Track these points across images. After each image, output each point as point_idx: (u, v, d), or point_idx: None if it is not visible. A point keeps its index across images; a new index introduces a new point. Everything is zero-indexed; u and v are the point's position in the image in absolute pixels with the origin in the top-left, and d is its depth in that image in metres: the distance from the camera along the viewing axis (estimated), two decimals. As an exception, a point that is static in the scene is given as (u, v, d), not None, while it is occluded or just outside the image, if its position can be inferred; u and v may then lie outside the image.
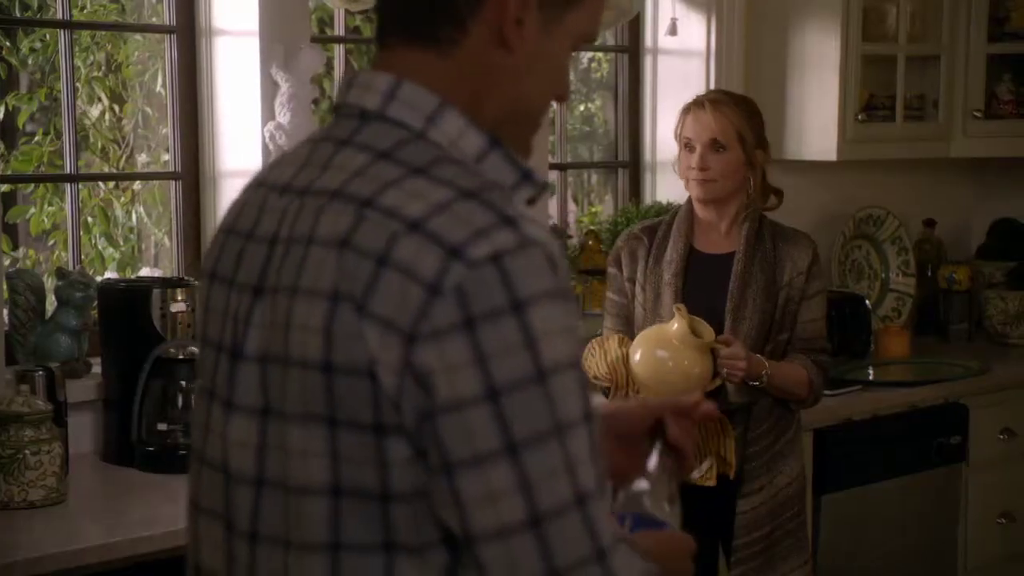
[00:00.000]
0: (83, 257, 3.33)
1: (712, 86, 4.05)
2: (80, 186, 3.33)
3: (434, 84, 1.30)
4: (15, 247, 3.67)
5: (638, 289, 3.06)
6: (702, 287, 2.99)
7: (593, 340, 3.05)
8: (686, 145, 3.05)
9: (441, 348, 1.16)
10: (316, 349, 1.21)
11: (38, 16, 3.62)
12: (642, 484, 1.47)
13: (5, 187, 3.50)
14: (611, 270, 3.13)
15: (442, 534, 1.21)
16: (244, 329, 1.29)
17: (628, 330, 3.06)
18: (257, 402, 1.27)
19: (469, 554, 1.19)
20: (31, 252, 3.73)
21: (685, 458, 1.54)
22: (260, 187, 1.36)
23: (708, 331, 2.89)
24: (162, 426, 2.87)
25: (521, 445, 1.16)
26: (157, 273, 3.43)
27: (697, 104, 3.04)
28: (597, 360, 2.98)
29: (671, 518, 1.48)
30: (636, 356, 2.93)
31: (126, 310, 2.93)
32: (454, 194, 1.22)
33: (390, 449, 1.20)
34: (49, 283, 3.14)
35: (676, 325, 2.89)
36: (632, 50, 4.22)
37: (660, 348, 2.89)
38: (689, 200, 3.10)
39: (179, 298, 2.93)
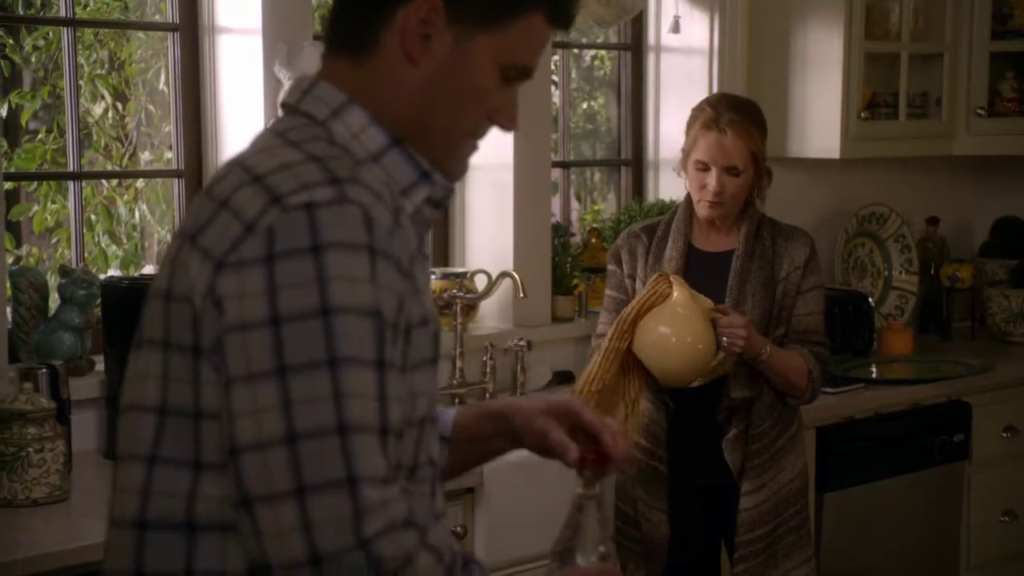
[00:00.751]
0: (86, 255, 3.34)
1: (715, 84, 4.05)
2: (83, 184, 3.33)
3: (346, 86, 1.44)
4: (18, 245, 3.67)
5: (638, 286, 3.06)
6: (701, 284, 2.99)
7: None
8: (697, 165, 3.00)
9: (241, 277, 1.30)
10: (164, 279, 1.38)
11: (41, 14, 3.63)
12: (567, 538, 1.50)
13: (8, 185, 3.49)
14: (611, 267, 3.13)
15: None
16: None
17: None
18: (139, 336, 1.44)
19: (231, 466, 1.29)
20: (34, 250, 3.73)
21: (605, 444, 1.54)
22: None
23: (706, 300, 2.90)
24: (165, 424, 2.87)
25: (291, 368, 1.27)
26: (160, 271, 3.42)
27: (717, 127, 2.96)
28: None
29: (608, 559, 1.50)
30: (639, 336, 2.90)
31: (129, 308, 2.90)
32: (303, 157, 1.36)
33: (203, 370, 1.32)
34: (52, 281, 3.15)
35: (676, 293, 2.88)
36: (635, 48, 4.21)
37: (663, 325, 2.87)
38: (688, 198, 3.10)
39: (182, 296, 2.92)
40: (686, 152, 3.04)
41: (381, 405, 1.30)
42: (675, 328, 2.86)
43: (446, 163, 1.47)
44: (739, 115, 2.99)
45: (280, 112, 1.50)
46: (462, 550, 1.42)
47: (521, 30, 1.44)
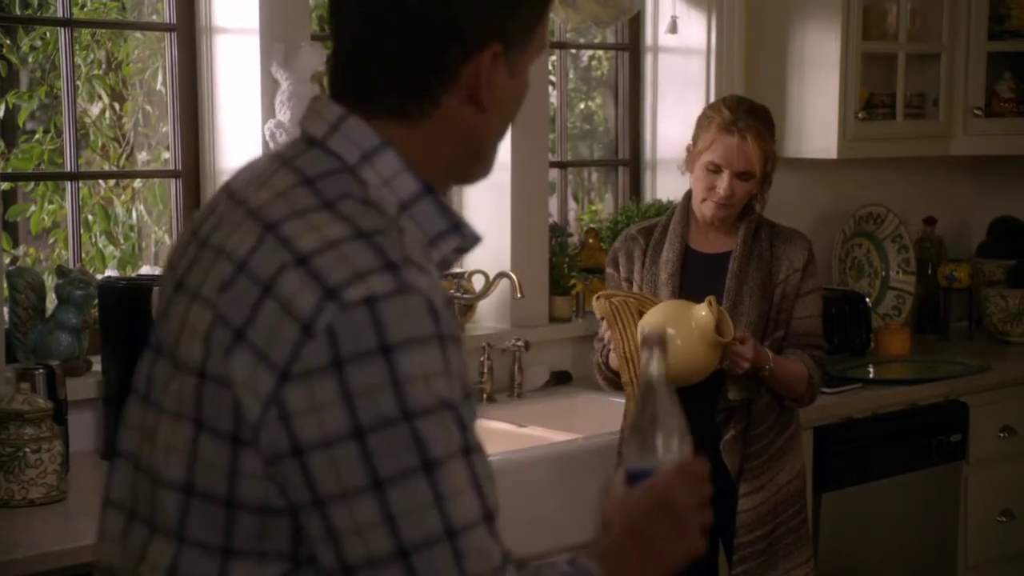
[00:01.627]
0: (83, 255, 3.33)
1: (712, 84, 4.05)
2: (80, 184, 3.33)
3: (382, 132, 1.33)
4: (15, 245, 3.67)
5: (635, 289, 3.06)
6: (699, 286, 2.99)
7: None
8: (709, 166, 2.99)
9: (310, 388, 1.21)
10: (196, 354, 1.27)
11: (38, 14, 3.62)
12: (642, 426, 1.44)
13: (5, 185, 3.49)
14: (609, 271, 3.14)
15: (288, 549, 1.26)
16: (161, 320, 1.38)
17: None
18: (147, 388, 1.36)
19: None
20: (31, 250, 3.72)
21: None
22: (224, 188, 1.41)
23: (730, 331, 2.84)
24: (162, 424, 2.87)
25: (386, 481, 1.20)
26: (157, 271, 3.43)
27: (737, 131, 2.95)
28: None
29: (664, 454, 1.43)
30: (648, 317, 2.86)
31: (126, 308, 2.93)
32: (348, 232, 1.25)
33: (243, 460, 1.25)
34: (49, 281, 3.14)
35: (704, 313, 2.82)
36: (632, 48, 4.22)
37: (673, 326, 2.80)
38: (685, 199, 3.10)
39: (179, 296, 2.92)
40: (698, 152, 3.01)
41: (478, 492, 1.25)
42: (685, 338, 2.81)
43: (487, 171, 1.44)
44: (756, 121, 2.99)
45: (296, 134, 1.40)
46: None
47: (544, 27, 1.41)
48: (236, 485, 1.26)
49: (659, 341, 1.41)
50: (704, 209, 3.02)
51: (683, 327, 2.82)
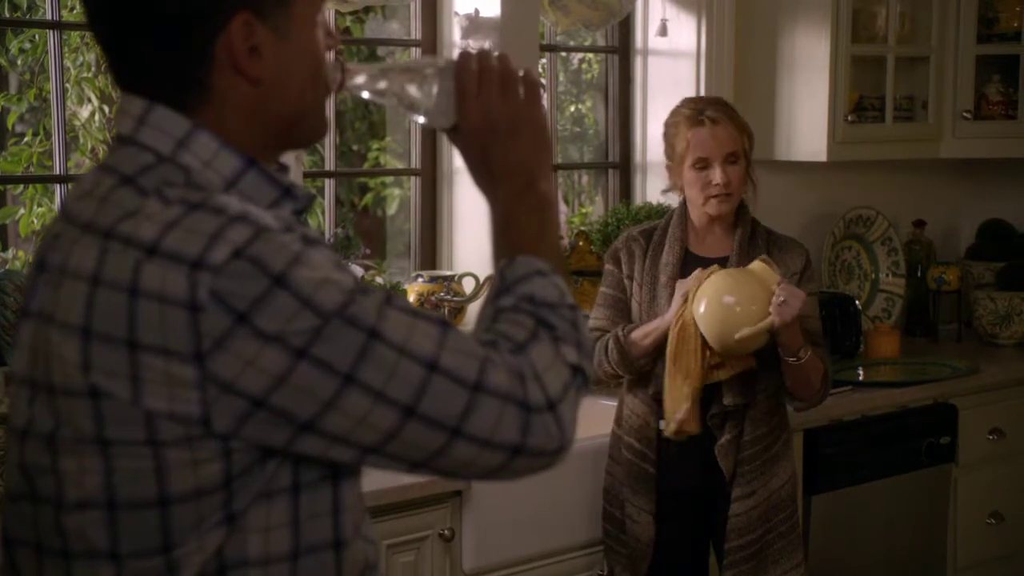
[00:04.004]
0: (73, 258, 3.33)
1: (702, 87, 4.06)
2: (69, 187, 3.33)
3: (199, 121, 1.32)
4: (4, 248, 3.67)
5: (635, 287, 3.07)
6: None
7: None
8: (696, 164, 3.00)
9: (231, 353, 1.22)
10: (78, 380, 1.26)
11: (27, 17, 3.62)
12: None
13: (-6, 188, 3.49)
14: (609, 267, 3.13)
15: (222, 517, 1.27)
16: (14, 351, 1.37)
17: (623, 320, 3.07)
18: (22, 422, 1.33)
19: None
20: (20, 253, 3.72)
21: None
22: (60, 210, 1.42)
23: (776, 277, 2.89)
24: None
25: (351, 371, 1.24)
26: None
27: (707, 120, 2.98)
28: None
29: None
30: (700, 308, 2.88)
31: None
32: (182, 210, 1.26)
33: (166, 457, 1.25)
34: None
35: (759, 264, 2.89)
36: (622, 51, 4.22)
37: (727, 294, 2.86)
38: (681, 204, 3.10)
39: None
40: (679, 158, 3.02)
41: (423, 317, 1.29)
42: (739, 297, 2.86)
43: (319, 131, 1.42)
44: (717, 105, 3.05)
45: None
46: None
47: None
48: (166, 483, 1.26)
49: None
50: (707, 209, 3.02)
51: (732, 289, 2.87)
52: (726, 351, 2.90)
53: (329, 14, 3.55)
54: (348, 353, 1.24)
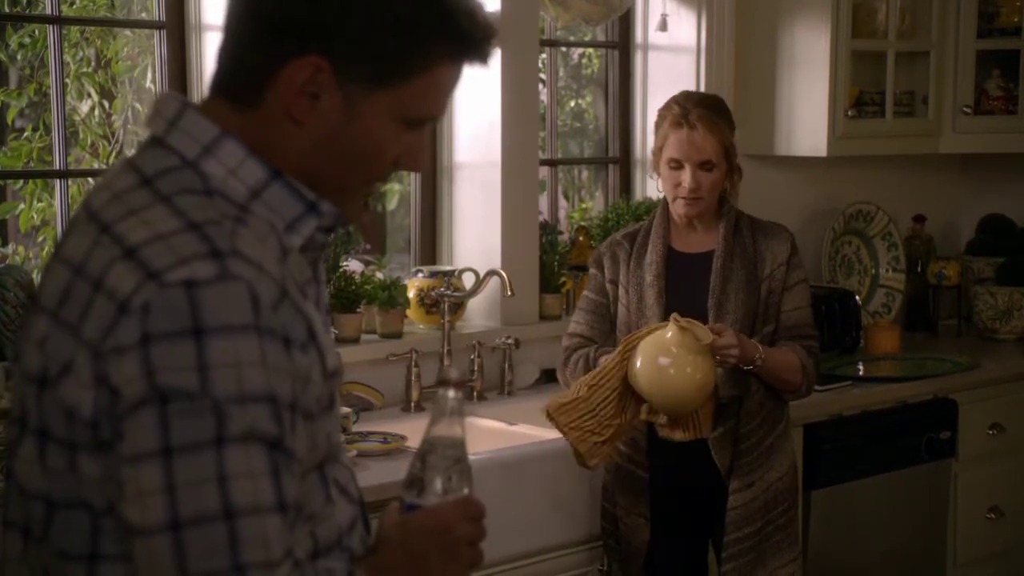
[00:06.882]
0: (72, 253, 3.32)
1: (702, 82, 4.06)
2: (69, 182, 3.32)
3: (220, 123, 1.34)
4: (4, 243, 3.67)
5: (621, 291, 3.06)
6: (684, 286, 3.00)
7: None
8: (671, 164, 3.00)
9: (120, 362, 1.21)
10: (35, 364, 1.29)
11: (27, 11, 3.62)
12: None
13: (-6, 183, 3.49)
14: (592, 271, 3.14)
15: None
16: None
17: (602, 326, 3.07)
18: (16, 411, 1.35)
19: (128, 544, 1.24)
20: (20, 248, 3.72)
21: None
22: (83, 199, 1.41)
23: (705, 333, 2.81)
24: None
25: (177, 450, 1.19)
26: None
27: (687, 123, 2.97)
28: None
29: (442, 495, 1.43)
30: (637, 364, 2.85)
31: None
32: (179, 225, 1.26)
33: (82, 464, 1.26)
34: (38, 280, 3.13)
35: (671, 334, 2.82)
36: (622, 46, 4.22)
37: (661, 355, 2.81)
38: (663, 202, 3.10)
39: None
40: (658, 151, 3.04)
41: (275, 481, 1.23)
42: (673, 359, 2.80)
43: (340, 209, 1.39)
44: (707, 110, 2.99)
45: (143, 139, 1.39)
46: None
47: (424, 83, 1.35)
48: (87, 489, 1.27)
49: (457, 382, 1.42)
50: (676, 208, 3.03)
51: (664, 352, 2.81)
52: (667, 411, 2.88)
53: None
54: (186, 435, 1.20)
